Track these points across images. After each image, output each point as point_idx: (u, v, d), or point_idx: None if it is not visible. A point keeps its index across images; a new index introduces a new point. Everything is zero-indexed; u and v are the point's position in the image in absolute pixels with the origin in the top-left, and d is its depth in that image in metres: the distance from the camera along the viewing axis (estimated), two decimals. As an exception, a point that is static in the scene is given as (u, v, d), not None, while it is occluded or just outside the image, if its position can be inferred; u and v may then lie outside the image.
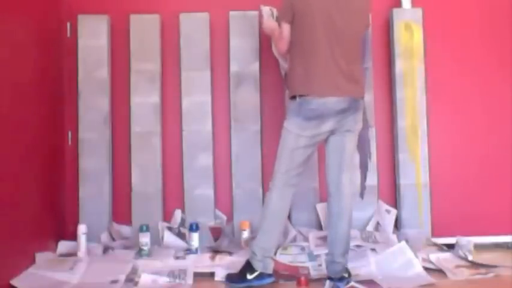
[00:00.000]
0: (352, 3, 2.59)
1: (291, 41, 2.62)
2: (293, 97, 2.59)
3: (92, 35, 3.39)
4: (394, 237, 3.21)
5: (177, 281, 2.68)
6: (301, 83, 2.56)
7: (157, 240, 3.20)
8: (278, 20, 2.76)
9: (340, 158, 2.63)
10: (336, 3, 2.55)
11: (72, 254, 3.03)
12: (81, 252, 3.01)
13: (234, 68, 3.41)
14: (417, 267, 2.75)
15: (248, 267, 2.60)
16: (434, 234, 3.31)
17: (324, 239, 3.00)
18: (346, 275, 2.58)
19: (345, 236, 2.62)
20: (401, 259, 2.79)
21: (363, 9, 2.66)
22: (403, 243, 2.89)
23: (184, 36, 3.42)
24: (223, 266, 2.81)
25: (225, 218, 3.40)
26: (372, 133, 3.42)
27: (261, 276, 2.59)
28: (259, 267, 2.58)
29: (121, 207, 3.38)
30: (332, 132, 2.60)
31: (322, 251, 2.89)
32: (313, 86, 2.52)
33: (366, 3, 2.70)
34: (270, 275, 2.61)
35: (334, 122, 2.56)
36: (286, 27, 2.62)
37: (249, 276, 2.58)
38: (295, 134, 2.56)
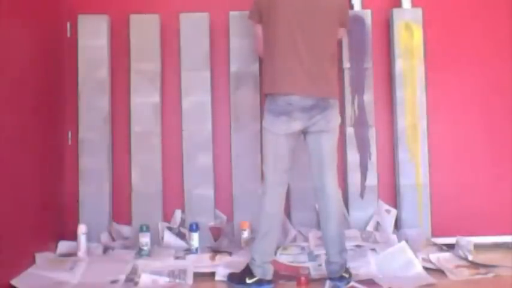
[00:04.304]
0: (322, 2, 2.60)
1: (264, 42, 2.69)
2: (265, 95, 2.67)
3: (92, 35, 3.39)
4: (394, 237, 3.22)
5: (177, 281, 2.68)
6: (269, 81, 2.63)
7: (157, 240, 3.21)
8: (249, 20, 2.82)
9: (319, 160, 2.63)
10: (303, 2, 2.58)
11: (72, 254, 3.03)
12: (81, 252, 3.01)
13: (234, 68, 3.41)
14: (418, 267, 2.75)
15: (248, 271, 2.58)
16: (434, 234, 3.31)
17: (324, 239, 3.00)
18: (346, 275, 2.57)
19: (336, 236, 2.61)
20: (401, 259, 2.79)
21: (333, 8, 2.65)
22: (404, 243, 2.88)
23: (184, 36, 3.42)
24: (223, 266, 2.81)
25: (225, 218, 3.40)
26: (372, 133, 3.42)
27: (260, 282, 2.56)
28: (258, 273, 2.56)
29: (121, 207, 3.38)
30: (306, 132, 2.61)
31: (322, 251, 2.88)
32: (277, 84, 2.57)
33: (339, 2, 2.70)
34: (269, 282, 2.58)
35: (303, 120, 2.56)
36: (256, 27, 2.74)
37: (248, 281, 2.56)
38: (272, 132, 2.59)
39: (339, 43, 3.13)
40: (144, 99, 3.38)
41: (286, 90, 2.55)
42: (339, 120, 2.67)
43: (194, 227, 3.10)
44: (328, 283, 2.58)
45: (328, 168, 2.62)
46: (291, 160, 2.63)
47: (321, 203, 2.65)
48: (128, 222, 3.34)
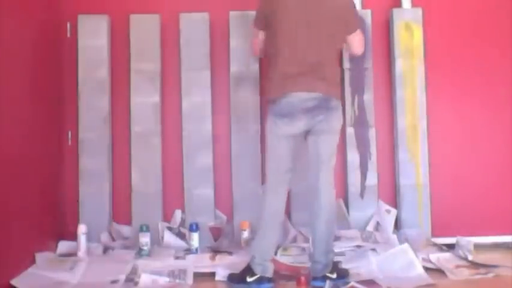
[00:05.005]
0: (325, 5, 2.62)
1: (266, 48, 2.75)
2: (268, 100, 2.70)
3: (92, 35, 3.38)
4: (394, 237, 3.22)
5: (177, 281, 2.67)
6: (272, 86, 2.66)
7: (157, 240, 3.20)
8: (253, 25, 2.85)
9: (316, 159, 2.65)
10: (305, 6, 2.60)
11: (72, 254, 3.03)
12: (81, 252, 3.01)
13: (234, 68, 3.41)
14: (419, 269, 2.74)
15: (248, 269, 2.59)
16: (434, 234, 3.31)
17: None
18: (332, 276, 2.57)
19: (323, 235, 2.62)
20: (403, 260, 2.79)
21: (337, 11, 2.66)
22: (406, 245, 2.88)
23: (184, 36, 3.42)
24: (224, 266, 2.81)
25: (225, 218, 3.40)
26: (372, 133, 3.42)
27: (261, 280, 2.57)
28: (258, 271, 2.57)
29: (121, 207, 3.38)
30: (308, 132, 2.64)
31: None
32: (280, 88, 2.60)
33: (344, 5, 2.70)
34: (269, 280, 2.59)
35: (306, 121, 2.59)
36: (258, 32, 2.80)
37: (249, 279, 2.57)
38: (273, 133, 2.64)
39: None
40: (144, 99, 3.38)
41: (290, 91, 2.58)
42: (341, 121, 2.70)
43: (194, 227, 3.10)
44: (328, 283, 2.57)
45: (324, 168, 2.64)
46: (292, 161, 2.66)
47: (313, 202, 2.66)
48: (128, 222, 3.34)
